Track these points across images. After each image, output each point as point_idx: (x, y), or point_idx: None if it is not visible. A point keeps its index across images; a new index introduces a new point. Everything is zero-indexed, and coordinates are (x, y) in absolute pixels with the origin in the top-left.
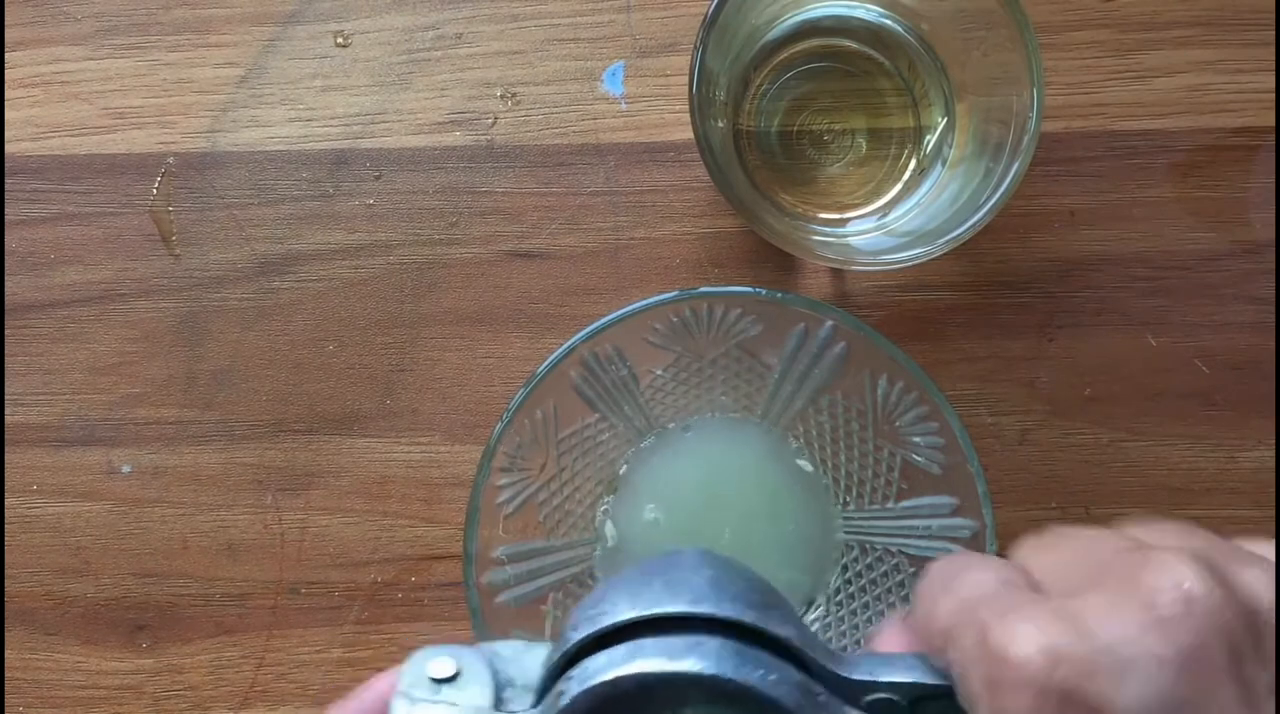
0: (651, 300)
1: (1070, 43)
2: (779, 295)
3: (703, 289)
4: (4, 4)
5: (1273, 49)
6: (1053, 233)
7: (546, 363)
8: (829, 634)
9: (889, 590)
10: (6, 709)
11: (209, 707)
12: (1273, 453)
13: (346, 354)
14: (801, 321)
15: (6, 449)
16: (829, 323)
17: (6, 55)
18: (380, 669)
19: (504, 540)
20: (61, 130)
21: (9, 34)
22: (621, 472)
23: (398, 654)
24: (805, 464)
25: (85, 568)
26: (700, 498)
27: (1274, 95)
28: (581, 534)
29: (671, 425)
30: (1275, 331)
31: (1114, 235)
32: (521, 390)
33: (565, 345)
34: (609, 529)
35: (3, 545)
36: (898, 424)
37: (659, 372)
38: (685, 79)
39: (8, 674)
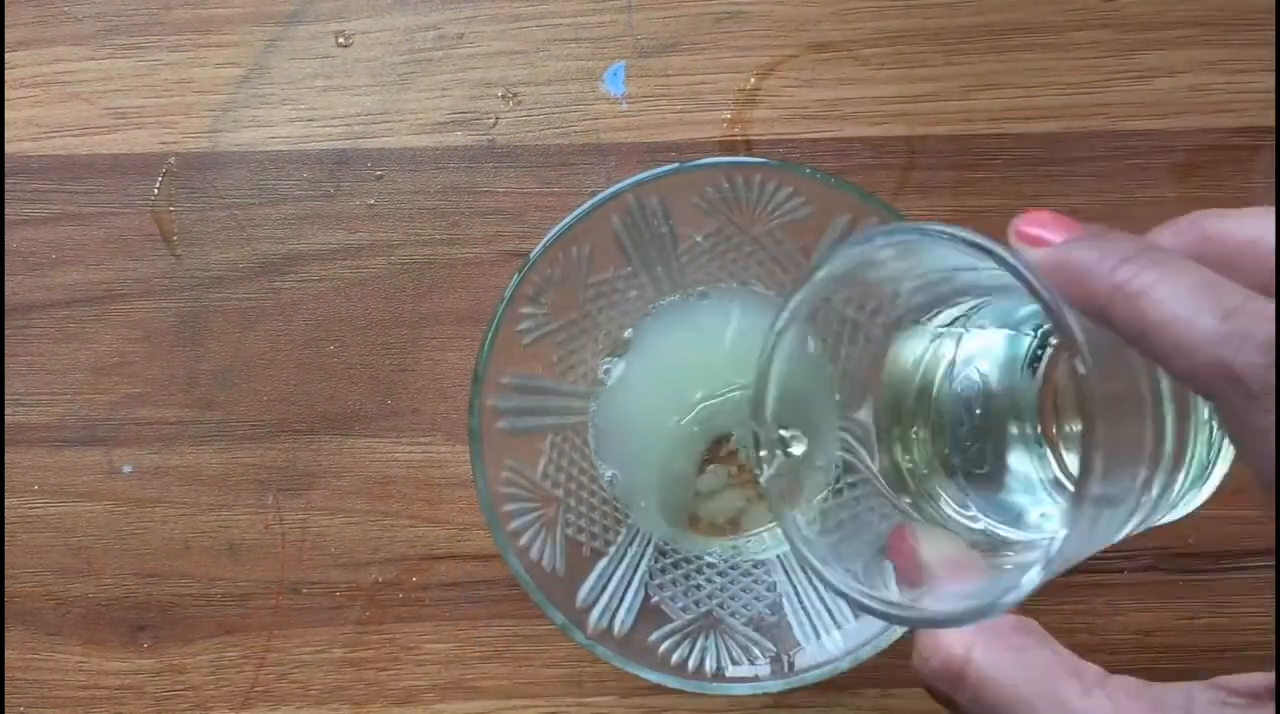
0: (707, 160)
1: (1071, 43)
2: (832, 179)
3: (760, 159)
4: (4, 4)
5: (1273, 49)
6: None
7: (593, 201)
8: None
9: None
10: (7, 709)
11: (210, 707)
12: None
13: (347, 354)
14: (849, 213)
15: (7, 449)
16: (875, 219)
17: (7, 55)
18: (382, 669)
19: (515, 370)
20: (63, 130)
21: (10, 34)
22: (634, 329)
23: (399, 654)
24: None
25: (86, 568)
26: (706, 364)
27: (1274, 95)
28: (589, 386)
29: (695, 292)
30: (1274, 330)
31: None
32: (563, 222)
33: (614, 187)
34: (611, 381)
35: (3, 545)
36: None
37: (699, 238)
38: (685, 79)
39: (9, 674)
